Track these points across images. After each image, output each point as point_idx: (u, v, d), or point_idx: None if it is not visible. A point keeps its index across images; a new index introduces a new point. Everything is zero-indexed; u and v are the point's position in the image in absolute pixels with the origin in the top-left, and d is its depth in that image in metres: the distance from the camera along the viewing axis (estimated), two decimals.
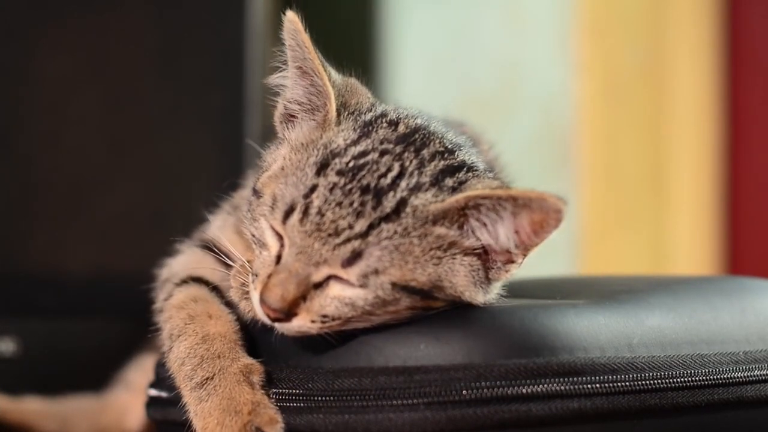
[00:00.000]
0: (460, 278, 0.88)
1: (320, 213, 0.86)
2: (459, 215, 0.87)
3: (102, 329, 1.51)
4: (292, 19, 0.93)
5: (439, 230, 0.87)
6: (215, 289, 0.98)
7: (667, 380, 0.89)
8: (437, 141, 0.92)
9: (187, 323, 0.94)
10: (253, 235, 0.91)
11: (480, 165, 0.94)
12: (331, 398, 0.87)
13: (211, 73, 1.62)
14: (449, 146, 0.93)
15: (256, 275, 0.89)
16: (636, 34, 2.31)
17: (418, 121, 0.94)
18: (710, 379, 0.91)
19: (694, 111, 2.38)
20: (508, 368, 0.85)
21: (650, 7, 2.32)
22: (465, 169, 0.91)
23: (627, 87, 2.30)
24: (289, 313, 0.86)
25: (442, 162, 0.90)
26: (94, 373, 1.37)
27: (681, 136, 2.35)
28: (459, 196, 0.87)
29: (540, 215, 0.86)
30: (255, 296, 0.88)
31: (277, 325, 0.87)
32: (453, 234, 0.88)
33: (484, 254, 0.89)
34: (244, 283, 0.92)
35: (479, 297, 0.89)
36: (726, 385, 0.92)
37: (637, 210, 2.33)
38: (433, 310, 0.88)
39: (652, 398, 0.88)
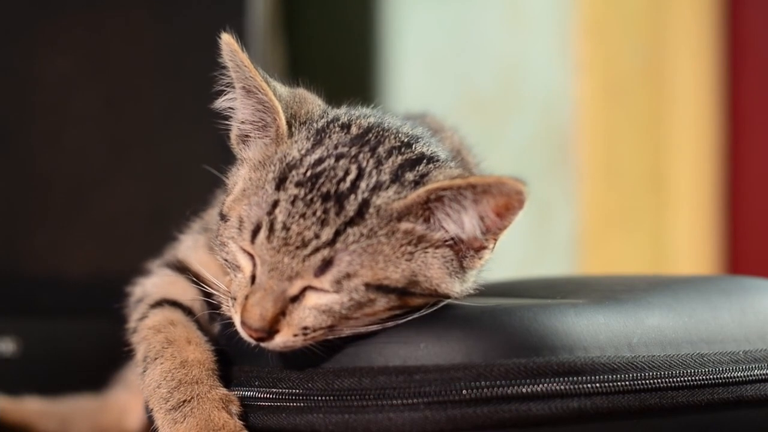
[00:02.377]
0: (434, 271, 0.88)
1: (285, 227, 0.86)
2: (423, 209, 0.87)
3: (102, 329, 1.51)
4: (227, 41, 0.93)
5: (406, 226, 0.87)
6: (190, 314, 0.98)
7: (666, 380, 0.89)
8: (392, 137, 0.92)
9: (165, 346, 0.94)
10: (226, 260, 0.91)
11: (441, 154, 0.93)
12: (331, 398, 0.87)
13: (211, 73, 1.62)
14: (405, 140, 0.92)
15: (235, 298, 0.89)
16: (636, 34, 2.31)
17: (371, 119, 0.94)
18: (710, 379, 0.91)
19: (694, 111, 2.38)
20: (508, 368, 0.85)
21: (650, 7, 2.32)
22: (425, 160, 0.90)
23: (627, 87, 2.30)
24: (270, 331, 0.86)
25: (400, 157, 0.90)
26: (94, 373, 1.37)
27: (681, 136, 2.35)
28: (420, 191, 0.87)
29: (501, 199, 0.86)
30: (237, 319, 0.88)
31: (262, 344, 0.88)
32: (420, 228, 0.88)
33: (455, 244, 0.89)
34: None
35: (456, 287, 0.89)
36: (726, 385, 0.92)
37: (637, 210, 2.33)
38: (413, 309, 0.88)
39: (652, 398, 0.89)
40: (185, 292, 0.99)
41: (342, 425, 0.87)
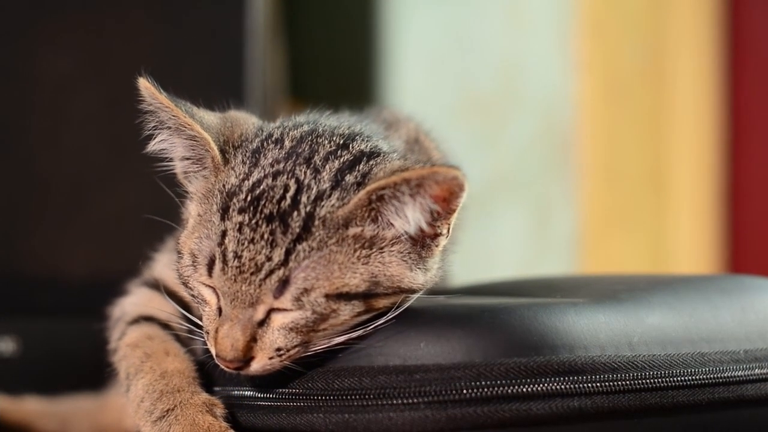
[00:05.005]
0: (393, 268, 0.88)
1: (237, 256, 0.85)
2: (369, 210, 0.87)
3: (102, 329, 1.51)
4: (145, 86, 0.93)
5: (354, 231, 0.87)
6: (167, 328, 0.99)
7: (667, 379, 0.89)
8: (326, 141, 0.91)
9: (144, 361, 0.94)
10: (193, 296, 0.91)
11: (383, 146, 0.93)
12: (331, 397, 0.87)
13: (211, 73, 1.62)
14: (341, 141, 0.91)
15: (207, 332, 0.89)
16: (636, 34, 2.31)
17: (304, 128, 0.93)
18: (710, 378, 0.91)
19: (694, 111, 2.38)
20: (509, 367, 0.85)
21: (650, 7, 2.33)
22: (364, 158, 0.90)
23: (627, 87, 2.30)
24: (245, 359, 0.86)
25: (337, 161, 0.89)
26: (94, 373, 1.37)
27: (681, 136, 2.35)
28: (360, 194, 0.86)
29: (439, 188, 0.86)
30: (213, 352, 0.88)
31: (242, 372, 0.88)
32: (369, 230, 0.87)
33: (409, 238, 0.88)
34: None
35: (419, 279, 0.89)
36: (726, 384, 0.92)
37: (637, 210, 2.33)
38: (382, 311, 0.88)
39: (653, 397, 0.88)
40: (162, 308, 0.99)
41: (342, 425, 0.87)
